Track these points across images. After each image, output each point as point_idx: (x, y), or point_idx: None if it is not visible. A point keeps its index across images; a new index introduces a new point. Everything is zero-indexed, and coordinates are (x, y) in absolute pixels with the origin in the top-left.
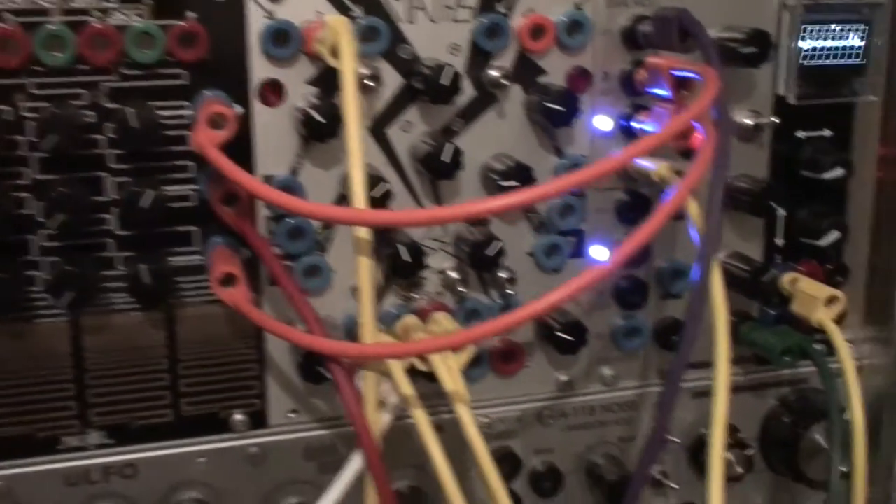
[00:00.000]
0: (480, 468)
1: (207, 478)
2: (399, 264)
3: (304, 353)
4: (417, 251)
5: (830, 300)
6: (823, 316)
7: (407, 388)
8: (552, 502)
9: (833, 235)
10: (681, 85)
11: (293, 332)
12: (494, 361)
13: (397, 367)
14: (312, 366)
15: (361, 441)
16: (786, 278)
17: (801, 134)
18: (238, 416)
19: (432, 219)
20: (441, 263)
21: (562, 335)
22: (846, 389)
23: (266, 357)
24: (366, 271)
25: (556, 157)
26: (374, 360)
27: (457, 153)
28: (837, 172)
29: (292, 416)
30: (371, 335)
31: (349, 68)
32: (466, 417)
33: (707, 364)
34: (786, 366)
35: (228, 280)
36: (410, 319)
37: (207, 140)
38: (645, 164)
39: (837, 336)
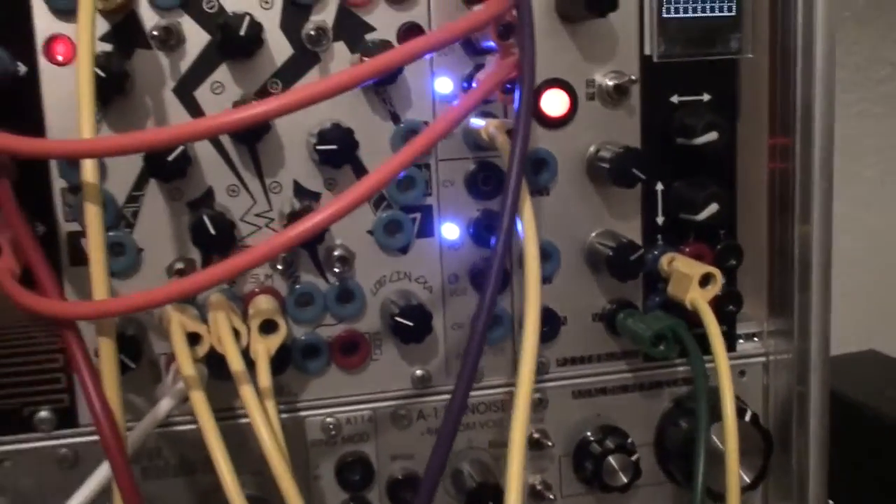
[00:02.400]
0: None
1: (13, 482)
2: (203, 237)
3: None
4: (225, 224)
5: (705, 279)
6: (697, 295)
7: (187, 362)
8: None
9: (711, 208)
10: (507, 33)
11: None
12: (334, 353)
13: (178, 333)
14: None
15: (103, 440)
16: (664, 259)
17: (675, 99)
18: (43, 414)
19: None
20: None
21: (401, 320)
22: (720, 387)
23: None
24: (95, 218)
25: (392, 124)
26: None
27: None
28: (710, 136)
29: None
30: (102, 290)
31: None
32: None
33: (589, 358)
34: (661, 356)
35: None
36: (216, 296)
37: None
38: (475, 123)
39: (709, 318)
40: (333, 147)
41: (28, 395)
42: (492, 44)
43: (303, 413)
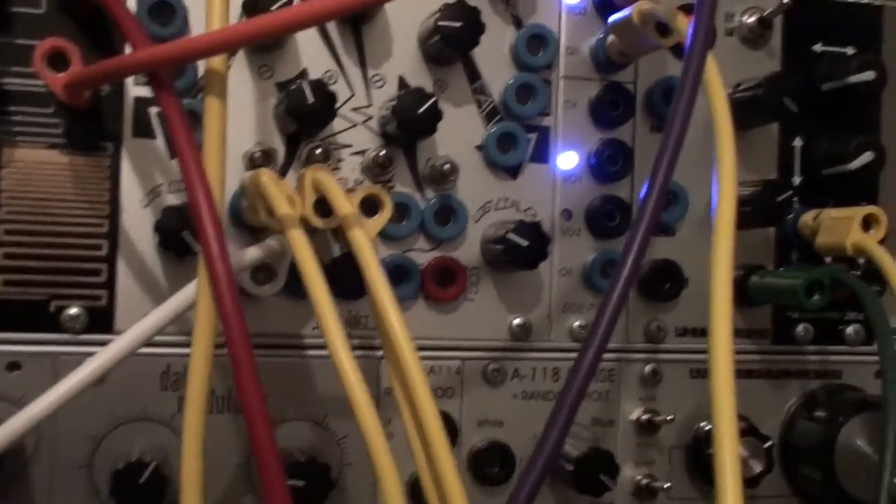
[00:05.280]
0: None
1: (21, 393)
2: (300, 107)
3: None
4: (325, 94)
5: (867, 221)
6: (861, 238)
7: (282, 201)
8: (499, 491)
9: (865, 157)
10: None
11: None
12: (426, 281)
13: (267, 177)
14: (175, 232)
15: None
16: (806, 217)
17: (818, 48)
18: (73, 311)
19: None
20: (363, 143)
21: (514, 238)
22: None
23: (121, 231)
24: None
25: (514, 29)
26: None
27: None
28: (865, 76)
29: None
30: None
31: None
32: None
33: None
34: (815, 307)
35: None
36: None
37: None
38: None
39: (884, 258)
40: (457, 25)
41: (59, 287)
42: None
43: (379, 353)
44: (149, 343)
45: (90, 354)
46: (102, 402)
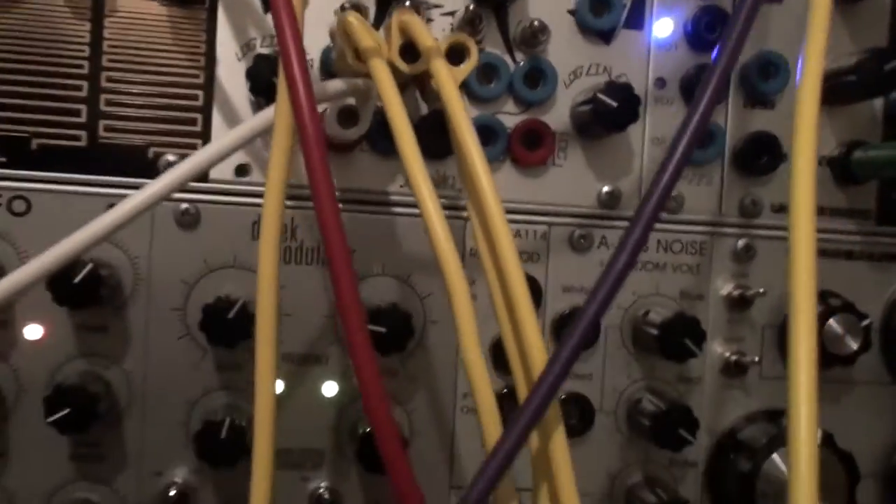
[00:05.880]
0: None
1: (115, 235)
2: None
3: (254, 62)
4: None
5: None
6: None
7: (367, 34)
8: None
9: None
10: None
11: None
12: (513, 142)
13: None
14: (266, 78)
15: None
16: None
17: None
18: (170, 158)
19: None
20: (454, 4)
21: (604, 98)
22: None
23: (216, 83)
24: None
25: None
26: None
27: None
28: None
29: (241, 177)
30: None
31: None
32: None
33: None
34: None
35: None
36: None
37: None
38: None
39: None
40: None
41: (157, 134)
42: None
43: (464, 213)
44: (240, 194)
45: (184, 201)
46: (196, 250)
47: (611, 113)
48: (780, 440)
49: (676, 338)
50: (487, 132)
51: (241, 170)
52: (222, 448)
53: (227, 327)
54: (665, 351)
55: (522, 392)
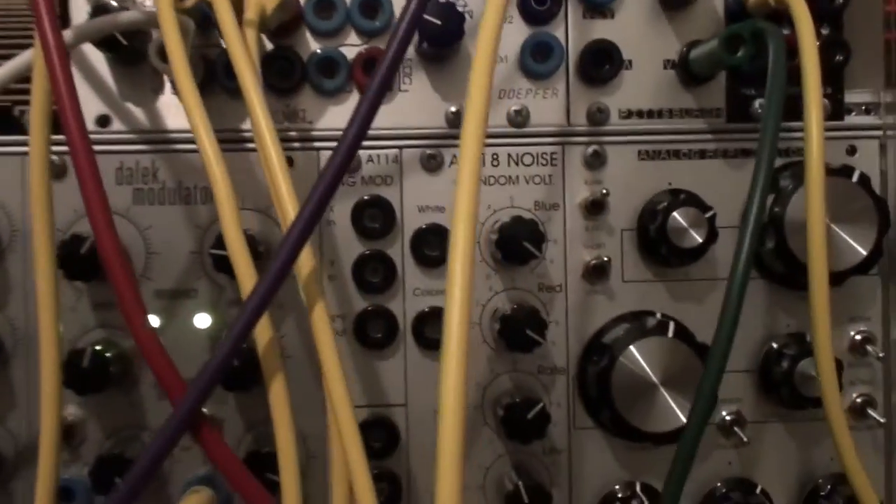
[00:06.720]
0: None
1: None
2: None
3: None
4: None
5: None
6: None
7: None
8: (440, 273)
9: None
10: None
11: None
12: (356, 71)
13: None
14: None
15: None
16: None
17: None
18: None
19: None
20: None
21: (428, 18)
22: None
23: None
24: None
25: None
26: None
27: None
28: None
29: (103, 127)
30: None
31: None
32: None
33: (659, 113)
34: (739, 63)
35: None
36: None
37: None
38: None
39: (800, 9)
40: None
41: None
42: None
43: (317, 144)
44: (104, 142)
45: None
46: (66, 199)
47: (437, 32)
48: (635, 334)
49: (514, 243)
50: (330, 64)
51: (103, 120)
52: (85, 376)
53: (80, 262)
54: (505, 255)
55: None
